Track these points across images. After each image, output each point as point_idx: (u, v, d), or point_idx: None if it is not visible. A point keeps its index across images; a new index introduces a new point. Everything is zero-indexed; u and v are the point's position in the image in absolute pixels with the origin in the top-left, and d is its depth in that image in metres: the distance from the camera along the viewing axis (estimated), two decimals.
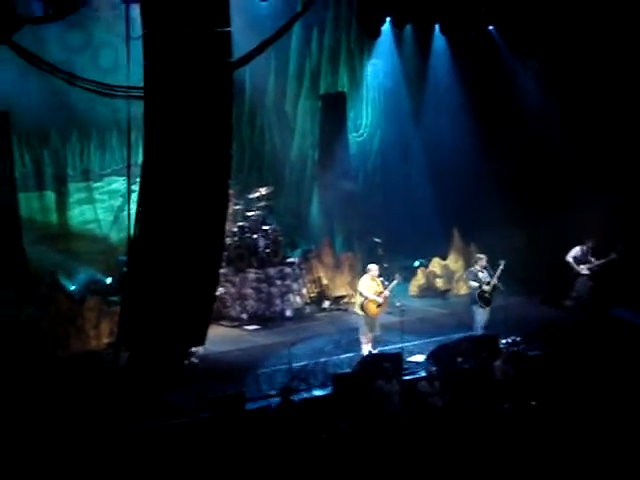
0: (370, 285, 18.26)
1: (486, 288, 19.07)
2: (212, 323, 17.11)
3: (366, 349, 18.09)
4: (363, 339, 18.24)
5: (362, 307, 18.11)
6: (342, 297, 22.33)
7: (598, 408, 15.42)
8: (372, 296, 18.08)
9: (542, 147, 23.98)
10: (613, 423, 14.90)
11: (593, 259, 21.74)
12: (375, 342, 18.28)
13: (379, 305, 18.15)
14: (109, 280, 20.75)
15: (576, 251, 21.78)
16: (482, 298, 19.12)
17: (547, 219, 22.90)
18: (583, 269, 21.69)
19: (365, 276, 18.50)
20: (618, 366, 17.15)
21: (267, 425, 14.53)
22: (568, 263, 21.64)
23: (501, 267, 19.15)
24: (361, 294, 18.18)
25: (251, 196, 21.90)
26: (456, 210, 23.98)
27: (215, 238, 15.45)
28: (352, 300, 21.57)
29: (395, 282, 18.58)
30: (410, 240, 23.87)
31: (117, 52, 19.96)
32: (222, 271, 19.29)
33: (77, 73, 16.62)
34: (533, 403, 15.86)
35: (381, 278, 18.65)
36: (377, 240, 23.06)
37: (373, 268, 18.50)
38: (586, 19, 22.79)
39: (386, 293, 18.28)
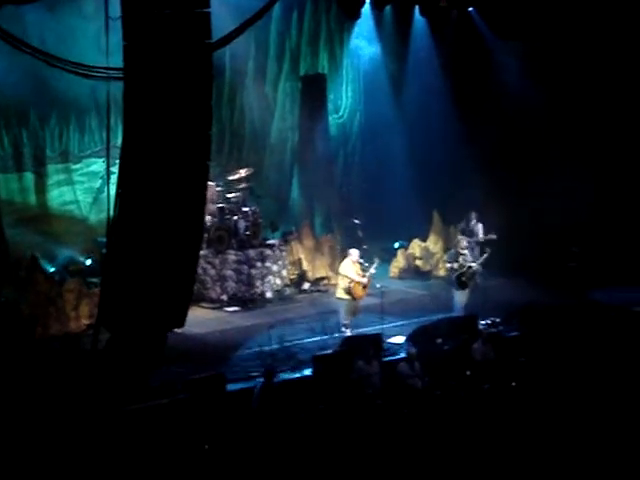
0: (352, 269, 18.30)
1: (462, 270, 19.11)
2: (192, 305, 17.13)
3: (348, 333, 18.16)
4: (345, 323, 18.28)
5: (348, 290, 18.13)
6: (322, 279, 22.37)
7: (577, 389, 15.52)
8: (358, 278, 18.13)
9: (522, 129, 24.04)
10: (592, 403, 15.00)
11: (480, 235, 21.98)
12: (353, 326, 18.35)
13: (364, 286, 18.22)
14: (88, 261, 20.70)
15: (462, 224, 22.27)
16: (458, 280, 19.18)
17: (527, 201, 22.98)
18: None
19: (346, 260, 18.54)
20: (597, 347, 17.26)
21: (248, 407, 14.55)
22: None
23: (486, 255, 19.17)
24: (346, 277, 18.20)
25: (231, 178, 21.90)
26: (436, 192, 24.01)
27: (195, 220, 15.44)
28: (332, 282, 21.66)
29: (375, 265, 18.62)
30: (390, 222, 23.90)
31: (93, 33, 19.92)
32: (202, 253, 19.31)
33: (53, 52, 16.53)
34: (513, 384, 15.95)
35: (361, 261, 18.71)
36: (357, 222, 23.09)
37: (354, 253, 18.57)
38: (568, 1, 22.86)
39: (370, 273, 18.32)
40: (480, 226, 22.01)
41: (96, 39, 18.60)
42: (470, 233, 22.01)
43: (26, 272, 18.97)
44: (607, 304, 20.01)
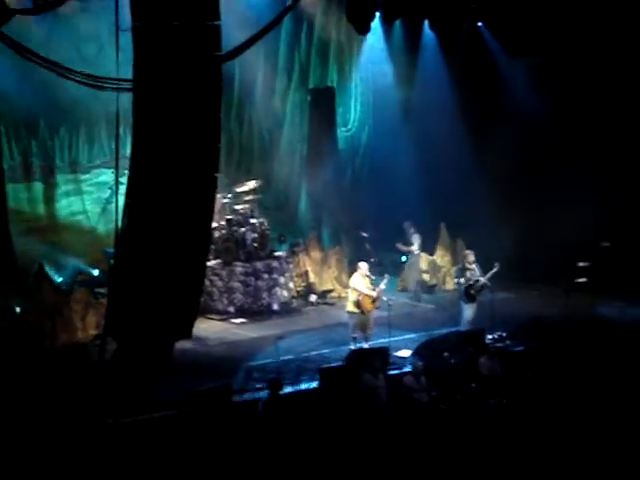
0: (362, 282, 18.22)
1: (471, 283, 19.06)
2: (199, 316, 17.13)
3: (361, 346, 18.08)
4: (354, 336, 18.19)
5: (357, 304, 18.04)
6: (329, 291, 22.37)
7: (584, 404, 15.49)
8: (367, 291, 18.05)
9: (531, 143, 24.02)
10: (599, 419, 14.96)
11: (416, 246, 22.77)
12: (368, 340, 18.25)
13: (374, 300, 18.13)
14: (96, 272, 20.72)
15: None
16: (467, 294, 19.13)
17: (536, 215, 22.94)
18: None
19: (356, 274, 18.45)
20: (604, 363, 17.21)
21: (255, 418, 14.51)
22: None
23: (495, 269, 19.07)
24: (355, 289, 18.14)
25: (239, 190, 21.95)
26: (443, 205, 23.99)
27: (203, 231, 15.48)
28: (339, 295, 21.67)
29: (385, 280, 18.51)
30: (397, 235, 23.88)
31: (102, 44, 20.06)
32: (209, 264, 19.34)
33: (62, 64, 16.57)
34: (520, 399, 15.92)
35: (369, 274, 18.62)
36: (364, 235, 23.11)
37: (363, 267, 18.45)
38: (576, 15, 22.85)
39: (380, 288, 18.23)
40: (417, 237, 22.22)
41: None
42: (407, 243, 22.30)
43: (33, 282, 19.01)
44: (615, 320, 19.96)
